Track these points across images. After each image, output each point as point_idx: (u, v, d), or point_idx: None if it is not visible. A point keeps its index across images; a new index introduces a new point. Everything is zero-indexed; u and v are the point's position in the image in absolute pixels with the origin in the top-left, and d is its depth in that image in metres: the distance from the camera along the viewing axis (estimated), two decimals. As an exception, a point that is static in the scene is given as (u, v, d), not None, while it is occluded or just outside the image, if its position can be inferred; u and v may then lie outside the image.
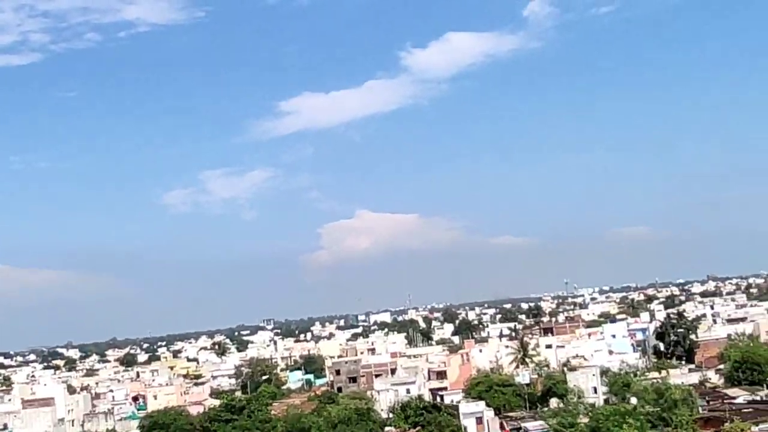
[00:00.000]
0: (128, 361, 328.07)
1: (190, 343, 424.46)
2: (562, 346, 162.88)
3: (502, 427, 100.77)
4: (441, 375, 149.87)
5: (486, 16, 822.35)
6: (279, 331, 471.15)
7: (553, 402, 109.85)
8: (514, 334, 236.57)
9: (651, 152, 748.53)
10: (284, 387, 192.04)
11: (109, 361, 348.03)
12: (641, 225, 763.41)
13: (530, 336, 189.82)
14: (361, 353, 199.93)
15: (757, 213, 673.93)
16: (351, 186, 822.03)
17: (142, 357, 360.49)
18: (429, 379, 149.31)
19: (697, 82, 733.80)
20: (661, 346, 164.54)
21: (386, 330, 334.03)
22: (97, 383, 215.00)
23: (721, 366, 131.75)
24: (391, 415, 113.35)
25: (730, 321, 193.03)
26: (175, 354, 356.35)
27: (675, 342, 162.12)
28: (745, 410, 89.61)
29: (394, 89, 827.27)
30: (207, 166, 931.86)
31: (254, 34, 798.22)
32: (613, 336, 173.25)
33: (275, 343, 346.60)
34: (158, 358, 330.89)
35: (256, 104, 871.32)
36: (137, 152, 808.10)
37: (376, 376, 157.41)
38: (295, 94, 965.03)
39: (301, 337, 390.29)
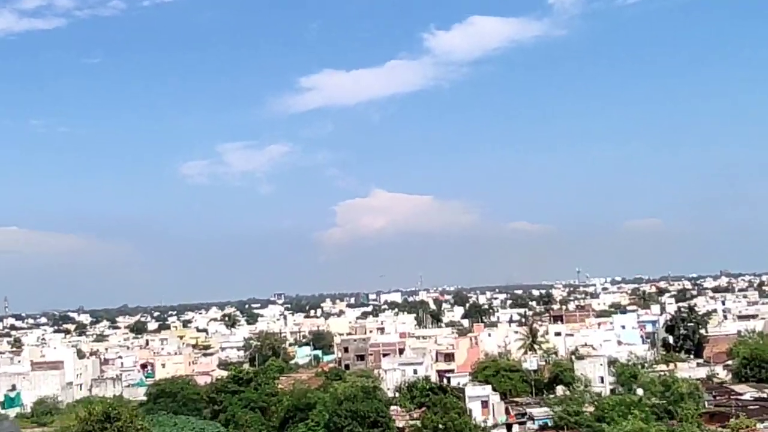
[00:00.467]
0: (138, 329, 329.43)
1: (201, 313, 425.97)
2: (571, 335, 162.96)
3: (507, 411, 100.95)
4: (449, 357, 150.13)
5: (511, 1, 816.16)
6: (289, 306, 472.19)
7: (560, 389, 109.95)
8: (523, 320, 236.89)
9: (670, 145, 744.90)
10: (292, 362, 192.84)
11: (119, 328, 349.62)
12: (656, 217, 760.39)
13: (540, 323, 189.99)
14: (370, 332, 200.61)
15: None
16: (368, 165, 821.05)
17: (153, 325, 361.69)
18: (437, 360, 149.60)
19: (719, 74, 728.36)
20: (671, 339, 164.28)
21: (396, 310, 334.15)
22: (106, 349, 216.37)
23: (730, 362, 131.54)
24: (397, 395, 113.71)
25: (741, 317, 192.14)
26: (185, 324, 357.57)
27: (684, 336, 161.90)
28: (752, 407, 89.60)
29: (415, 70, 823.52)
30: (226, 139, 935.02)
31: (278, 10, 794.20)
32: (623, 327, 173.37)
33: (285, 317, 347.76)
34: (168, 327, 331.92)
35: (277, 79, 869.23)
36: (157, 121, 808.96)
37: (384, 355, 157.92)
38: (316, 71, 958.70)
39: (311, 313, 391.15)
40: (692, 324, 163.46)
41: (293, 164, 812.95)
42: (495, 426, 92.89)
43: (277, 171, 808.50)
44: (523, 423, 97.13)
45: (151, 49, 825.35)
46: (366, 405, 75.90)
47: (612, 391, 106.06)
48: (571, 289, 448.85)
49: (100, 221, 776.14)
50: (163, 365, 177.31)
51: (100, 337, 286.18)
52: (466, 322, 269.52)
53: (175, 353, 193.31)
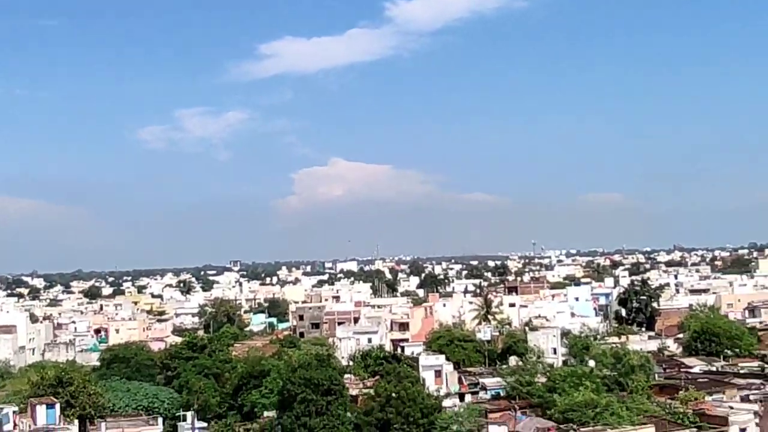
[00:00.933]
0: (92, 294, 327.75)
1: (156, 279, 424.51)
2: (526, 306, 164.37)
3: (460, 381, 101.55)
4: (403, 327, 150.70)
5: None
6: (245, 273, 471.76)
7: (513, 360, 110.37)
8: (478, 290, 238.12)
9: (630, 121, 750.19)
10: (247, 329, 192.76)
11: (73, 293, 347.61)
12: (614, 192, 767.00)
13: (494, 294, 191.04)
14: (326, 300, 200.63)
15: (727, 189, 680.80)
16: (327, 133, 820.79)
17: (107, 290, 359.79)
18: (391, 330, 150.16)
19: (679, 51, 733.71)
20: (623, 312, 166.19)
21: (352, 279, 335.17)
22: (60, 314, 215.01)
23: (681, 335, 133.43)
24: (351, 363, 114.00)
25: (693, 292, 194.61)
26: (140, 289, 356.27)
27: (637, 309, 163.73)
28: (701, 380, 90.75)
29: (376, 39, 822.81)
30: (184, 104, 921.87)
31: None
32: (576, 299, 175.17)
33: (240, 284, 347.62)
34: (123, 293, 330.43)
35: (237, 45, 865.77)
36: (114, 85, 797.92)
37: (339, 323, 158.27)
38: (277, 38, 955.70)
39: (267, 280, 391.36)
40: (645, 297, 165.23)
41: (251, 131, 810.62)
42: (448, 395, 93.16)
43: (235, 138, 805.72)
44: (476, 393, 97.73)
45: (109, 13, 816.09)
46: (320, 373, 75.86)
47: (564, 362, 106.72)
48: (527, 260, 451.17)
49: (55, 185, 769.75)
50: (117, 331, 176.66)
51: (54, 302, 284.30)
52: (421, 292, 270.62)
53: (130, 319, 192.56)
